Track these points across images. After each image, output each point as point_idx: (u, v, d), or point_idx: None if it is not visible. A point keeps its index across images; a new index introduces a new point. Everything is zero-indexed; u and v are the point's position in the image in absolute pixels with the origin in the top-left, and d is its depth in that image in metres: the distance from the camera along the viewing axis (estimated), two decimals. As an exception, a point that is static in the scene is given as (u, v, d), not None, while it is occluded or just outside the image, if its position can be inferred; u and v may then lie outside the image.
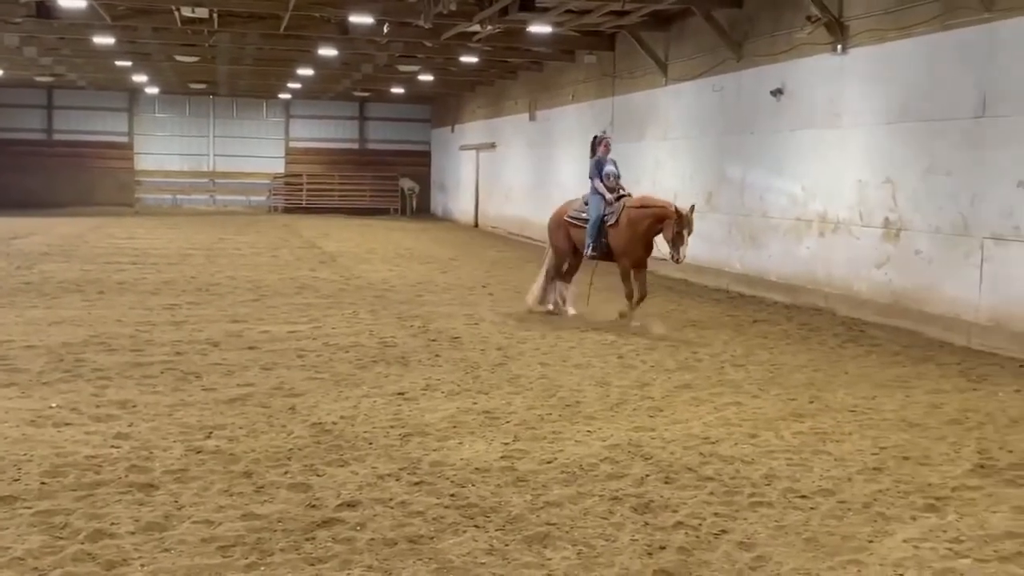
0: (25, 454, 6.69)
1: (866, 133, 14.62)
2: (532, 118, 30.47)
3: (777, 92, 16.74)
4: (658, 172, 21.57)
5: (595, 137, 14.08)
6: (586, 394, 9.03)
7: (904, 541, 5.46)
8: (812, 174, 15.95)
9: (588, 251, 13.46)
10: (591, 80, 25.37)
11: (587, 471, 6.65)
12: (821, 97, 15.67)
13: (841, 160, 15.15)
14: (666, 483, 6.42)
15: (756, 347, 11.89)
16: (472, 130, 38.21)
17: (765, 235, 17.34)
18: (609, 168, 13.49)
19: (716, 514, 5.84)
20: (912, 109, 13.58)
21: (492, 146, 35.13)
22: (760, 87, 17.27)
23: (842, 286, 15.04)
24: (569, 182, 27.12)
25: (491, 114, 35.42)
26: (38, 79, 37.54)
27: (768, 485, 6.42)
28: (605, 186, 13.40)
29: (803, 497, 6.19)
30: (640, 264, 13.31)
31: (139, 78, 36.30)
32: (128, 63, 31.46)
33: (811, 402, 8.86)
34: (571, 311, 13.88)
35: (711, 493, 6.23)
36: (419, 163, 45.64)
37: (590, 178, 13.65)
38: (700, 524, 5.66)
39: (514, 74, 31.31)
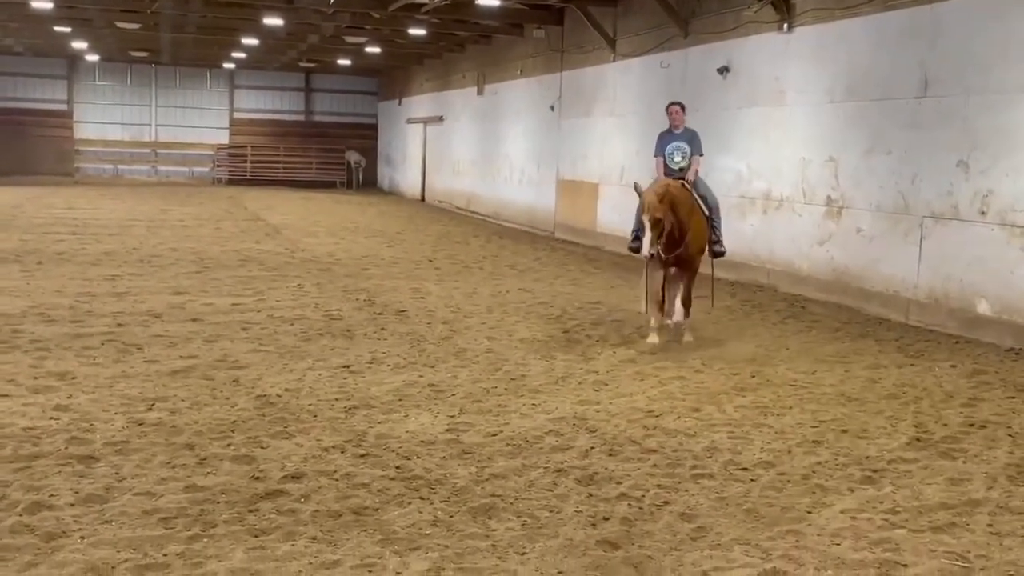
0: (-40, 426, 6.56)
1: (810, 112, 14.79)
2: (480, 92, 30.34)
3: (723, 70, 16.85)
4: (605, 148, 21.63)
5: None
6: (531, 368, 9.07)
7: (842, 512, 5.58)
8: (757, 152, 16.10)
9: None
10: (540, 55, 25.31)
11: (532, 444, 6.69)
12: (766, 75, 15.80)
13: (785, 138, 15.32)
14: (610, 455, 6.48)
15: (699, 323, 12.00)
16: (419, 103, 37.95)
17: (710, 212, 17.47)
18: (675, 144, 10.80)
19: (659, 486, 5.91)
20: (856, 88, 13.76)
21: (440, 120, 34.93)
22: (707, 64, 17.36)
23: (785, 263, 15.24)
24: (517, 157, 27.12)
25: (439, 88, 35.20)
26: (-28, 43, 36.47)
27: (710, 458, 6.51)
28: (666, 168, 10.74)
29: (744, 469, 6.30)
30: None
31: (79, 45, 35.44)
32: (67, 29, 30.67)
33: (753, 376, 9.00)
34: (675, 322, 10.94)
35: (654, 465, 6.31)
36: (366, 136, 45.25)
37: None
38: (643, 496, 5.73)
39: (462, 48, 31.12)
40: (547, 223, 24.51)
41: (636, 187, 10.09)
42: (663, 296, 10.47)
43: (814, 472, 6.29)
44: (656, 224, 9.63)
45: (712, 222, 10.72)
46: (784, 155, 15.34)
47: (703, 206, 10.53)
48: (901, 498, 5.85)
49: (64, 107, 42.89)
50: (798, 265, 14.91)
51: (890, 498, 5.85)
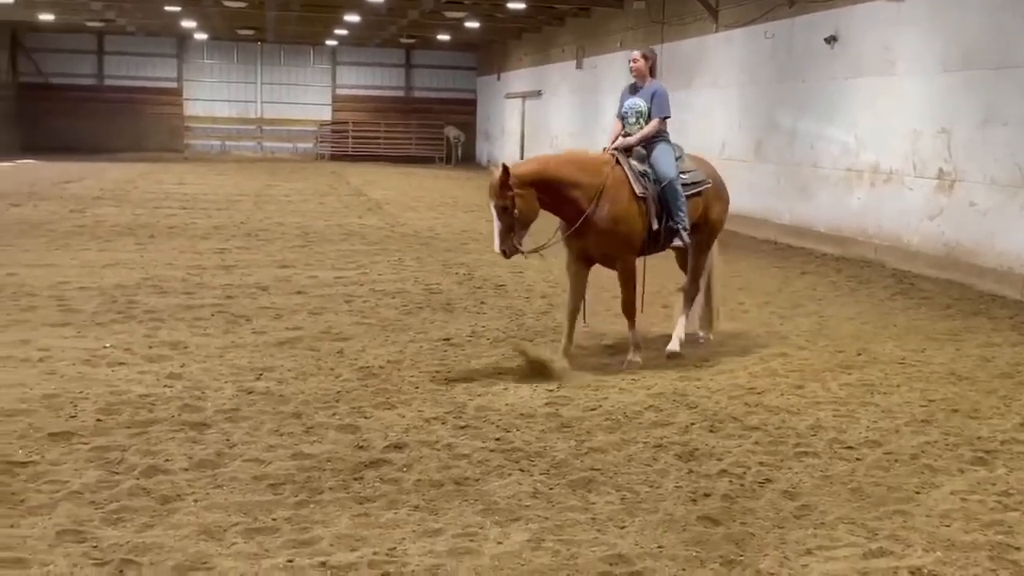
0: (81, 392, 6.86)
1: (922, 81, 14.28)
2: (579, 66, 30.15)
3: (831, 39, 16.38)
4: (706, 121, 21.28)
5: None
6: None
7: (951, 493, 5.43)
8: (865, 123, 15.64)
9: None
10: (639, 27, 25.00)
11: (631, 418, 6.67)
12: (876, 44, 15.31)
13: (895, 109, 14.84)
14: (711, 432, 6.42)
15: (804, 299, 11.78)
16: (518, 78, 37.91)
17: (815, 185, 17.09)
18: (631, 103, 8.61)
19: (761, 463, 5.83)
20: (971, 57, 13.23)
21: (538, 94, 34.85)
22: (813, 34, 16.91)
23: (893, 238, 14.81)
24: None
25: (537, 62, 35.09)
26: (89, 24, 37.81)
27: (814, 435, 6.40)
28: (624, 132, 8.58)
29: (849, 448, 6.17)
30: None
31: (188, 24, 36.42)
32: (177, 8, 31.55)
33: (859, 354, 8.79)
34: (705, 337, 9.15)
35: (756, 442, 6.23)
36: (464, 111, 45.45)
37: None
38: (744, 473, 5.67)
39: (561, 21, 30.94)
40: (646, 197, 24.26)
41: (502, 166, 7.69)
42: (575, 305, 8.18)
43: (923, 452, 6.12)
44: (503, 213, 7.61)
45: (664, 202, 8.19)
46: (893, 126, 14.87)
47: (639, 182, 8.09)
48: (1015, 480, 5.66)
49: (174, 85, 44.21)
50: (907, 240, 14.47)
51: (1003, 480, 5.66)
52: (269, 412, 6.56)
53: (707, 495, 5.30)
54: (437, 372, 7.76)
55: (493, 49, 41.45)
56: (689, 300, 8.93)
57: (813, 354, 8.75)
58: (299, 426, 6.30)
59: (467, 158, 44.55)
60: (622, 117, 8.59)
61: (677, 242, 8.34)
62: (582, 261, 8.23)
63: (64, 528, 4.62)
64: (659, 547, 4.65)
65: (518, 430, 6.35)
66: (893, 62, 14.91)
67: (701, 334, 9.05)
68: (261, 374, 7.57)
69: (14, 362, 7.65)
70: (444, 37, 37.45)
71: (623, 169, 8.14)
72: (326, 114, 45.47)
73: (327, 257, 14.09)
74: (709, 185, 8.72)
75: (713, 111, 20.98)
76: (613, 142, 8.47)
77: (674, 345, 8.51)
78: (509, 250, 7.79)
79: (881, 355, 8.76)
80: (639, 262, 8.46)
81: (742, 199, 19.45)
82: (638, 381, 7.64)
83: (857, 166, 15.84)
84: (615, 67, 27.01)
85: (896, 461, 5.94)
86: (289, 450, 5.83)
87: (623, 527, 4.87)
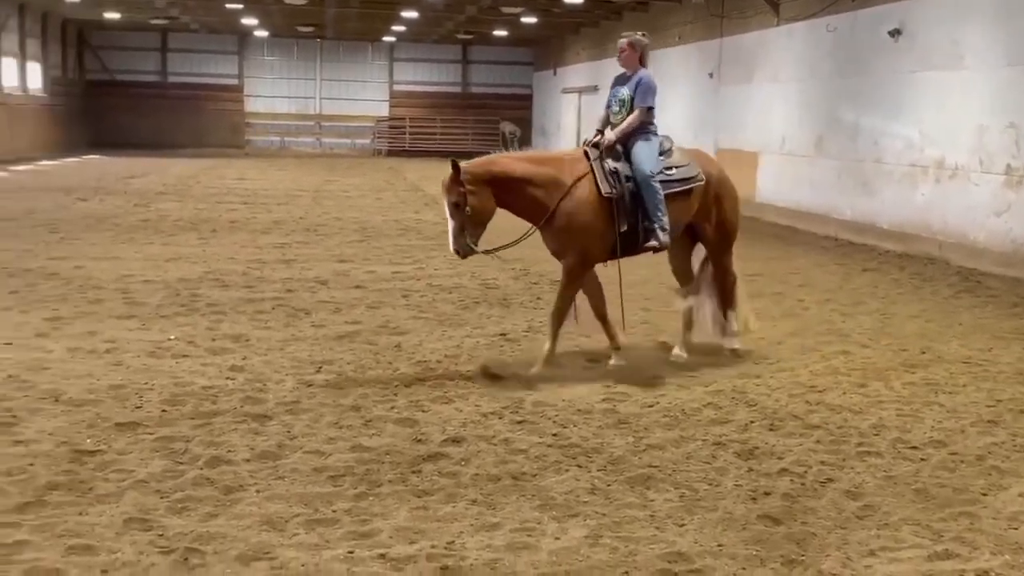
0: (146, 383, 6.99)
1: (990, 75, 13.96)
2: (637, 60, 29.94)
3: (895, 32, 16.10)
4: (766, 116, 21.04)
5: None
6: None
7: (1020, 495, 5.30)
8: (930, 118, 15.34)
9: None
10: (698, 21, 24.79)
11: (690, 416, 6.62)
12: (942, 37, 15.00)
13: (961, 103, 14.53)
14: (771, 430, 6.35)
15: (866, 296, 11.60)
16: (575, 73, 37.81)
17: (877, 181, 16.81)
18: (614, 92, 8.13)
19: (822, 462, 5.76)
20: (1041, 50, 12.91)
21: (595, 89, 34.70)
22: (877, 27, 16.62)
23: (958, 234, 14.51)
24: (673, 125, 26.69)
25: (594, 56, 34.96)
26: (153, 22, 38.49)
27: (877, 435, 6.29)
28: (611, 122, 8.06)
29: (913, 448, 6.06)
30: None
31: (249, 21, 36.91)
32: (239, 5, 31.98)
33: (923, 353, 8.62)
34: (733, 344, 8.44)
35: (817, 441, 6.15)
36: (521, 107, 45.46)
37: None
38: (806, 472, 5.59)
39: (619, 15, 30.79)
40: (704, 193, 24.04)
41: (452, 162, 7.47)
42: (600, 305, 7.93)
43: (989, 453, 5.99)
44: (455, 210, 7.35)
45: (641, 202, 7.64)
46: (960, 121, 14.56)
47: (607, 181, 7.60)
48: (1087, 484, 5.51)
49: (235, 82, 44.86)
50: (973, 237, 14.17)
51: (1074, 484, 5.52)
52: (329, 405, 6.63)
53: (767, 494, 5.25)
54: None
55: (550, 44, 41.38)
56: (731, 298, 8.30)
57: (876, 352, 8.61)
58: (358, 419, 6.35)
59: (523, 153, 44.45)
60: (608, 107, 8.14)
61: (652, 242, 7.67)
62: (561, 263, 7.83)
63: (131, 516, 4.71)
64: (719, 545, 4.61)
65: (575, 426, 6.34)
66: (960, 56, 14.60)
67: (729, 345, 8.32)
68: (321, 367, 7.65)
69: (82, 353, 7.83)
70: (501, 33, 37.48)
71: (591, 167, 7.68)
72: (383, 110, 45.79)
73: (384, 252, 14.19)
74: (702, 182, 8.01)
75: (773, 106, 20.74)
76: (595, 136, 7.97)
77: (734, 343, 8.27)
78: (462, 249, 7.48)
79: (946, 354, 8.59)
80: (609, 265, 7.87)
81: (802, 194, 19.25)
82: (696, 378, 7.58)
83: (922, 161, 15.54)
84: (673, 62, 26.81)
85: (962, 462, 5.82)
86: (348, 442, 5.89)
87: (682, 525, 4.84)
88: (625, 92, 7.95)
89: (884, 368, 8.04)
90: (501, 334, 8.99)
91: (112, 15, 36.23)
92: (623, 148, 7.80)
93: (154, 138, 41.77)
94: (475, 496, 5.12)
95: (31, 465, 5.34)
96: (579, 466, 5.61)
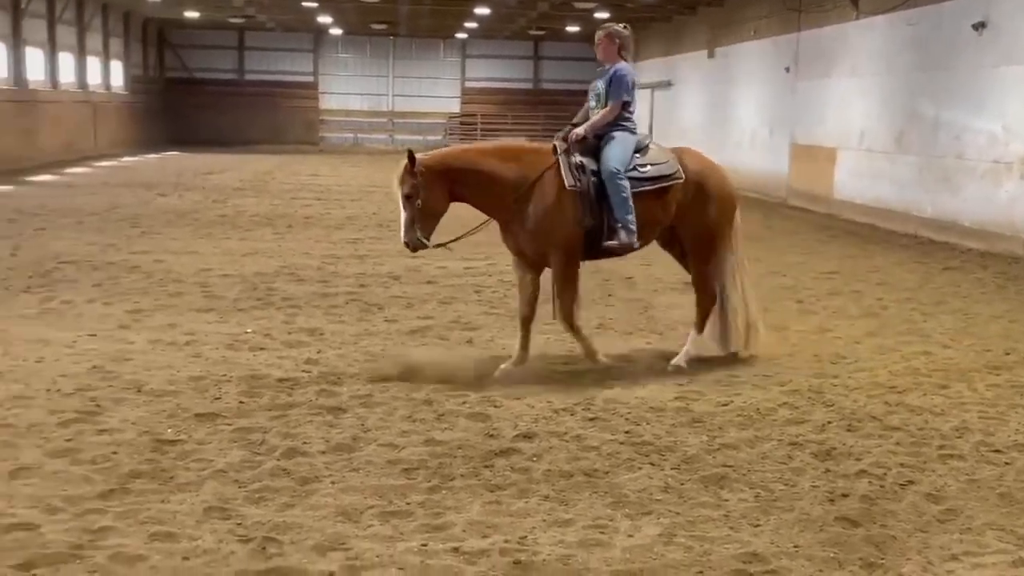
0: (224, 375, 7.13)
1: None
2: (711, 55, 29.66)
3: (979, 26, 15.66)
4: (844, 111, 20.65)
5: None
6: (763, 338, 8.80)
7: (1111, 503, 5.13)
8: (1014, 113, 14.90)
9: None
10: (775, 15, 24.42)
11: (765, 415, 6.53)
12: (1030, 30, 14.56)
13: (1049, 98, 14.08)
14: (849, 431, 6.23)
15: (947, 295, 11.32)
16: (647, 68, 37.51)
17: (959, 178, 16.38)
18: (593, 85, 7.95)
19: (902, 464, 5.63)
20: None
21: (668, 84, 34.45)
22: (960, 20, 16.19)
23: (1044, 233, 14.07)
24: (748, 121, 26.34)
25: (667, 51, 34.69)
26: (231, 21, 39.24)
27: (959, 438, 6.14)
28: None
29: (997, 451, 5.89)
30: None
31: (324, 19, 37.38)
32: (314, 4, 32.40)
33: (1007, 354, 8.38)
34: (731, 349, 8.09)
35: (897, 443, 6.01)
36: (593, 102, 45.22)
37: None
38: (885, 474, 5.48)
39: (693, 10, 30.49)
40: (779, 190, 23.72)
41: (407, 152, 7.20)
42: (525, 311, 7.64)
43: (1079, 459, 5.80)
44: (407, 202, 7.16)
45: (608, 199, 7.34)
46: (1047, 116, 14.11)
47: (571, 174, 7.35)
48: None
49: (310, 79, 45.49)
50: (1060, 236, 13.72)
51: None
52: (402, 398, 6.68)
53: (845, 495, 5.15)
54: (565, 363, 7.76)
55: (622, 40, 41.09)
56: (702, 314, 7.84)
57: (958, 353, 8.40)
58: (431, 413, 6.39)
59: (595, 150, 44.30)
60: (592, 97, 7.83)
61: (613, 241, 7.35)
62: (524, 262, 7.63)
63: (210, 505, 4.81)
64: (795, 547, 4.54)
65: (648, 423, 6.30)
66: (1048, 48, 14.15)
67: (675, 360, 7.70)
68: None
69: (163, 345, 8.01)
70: (574, 28, 37.37)
71: (557, 160, 7.42)
72: (455, 107, 46.02)
73: (456, 247, 14.20)
74: (679, 181, 7.56)
75: (851, 101, 20.35)
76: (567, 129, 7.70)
77: (679, 359, 7.65)
78: (412, 242, 7.25)
79: (1032, 356, 8.34)
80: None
81: (881, 191, 18.86)
82: (771, 378, 7.47)
83: (1006, 157, 15.10)
84: (749, 57, 26.48)
85: (1049, 467, 5.65)
86: (421, 436, 5.93)
87: (757, 525, 4.78)
88: (600, 86, 7.70)
89: (967, 369, 7.83)
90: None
91: (192, 14, 37.01)
92: (597, 143, 7.52)
93: (231, 135, 42.55)
94: (547, 492, 5.12)
95: (115, 453, 5.48)
96: (652, 464, 5.57)
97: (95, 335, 8.25)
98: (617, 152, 7.45)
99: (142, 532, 4.50)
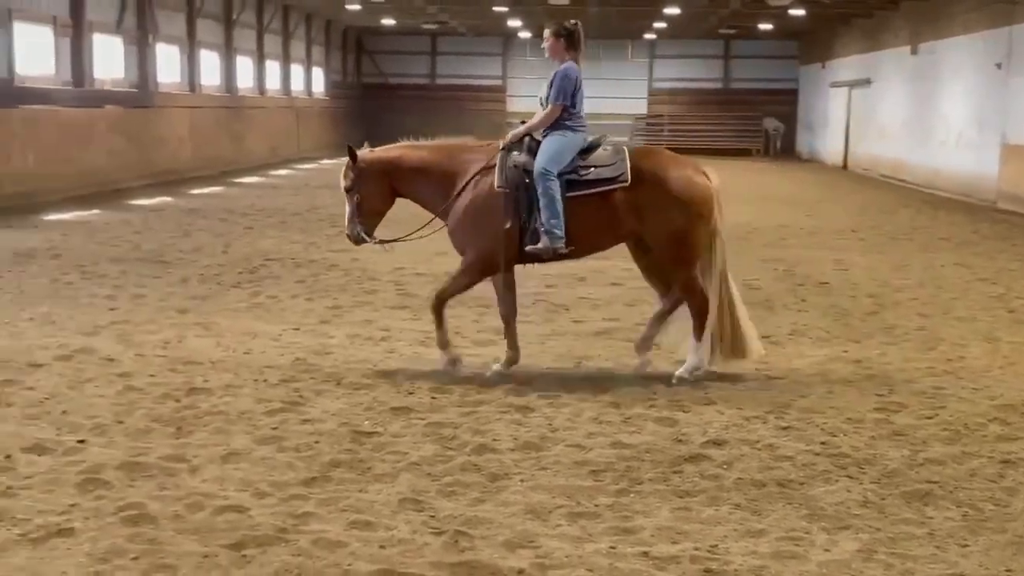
0: (418, 370, 7.33)
1: None
2: (914, 52, 28.27)
3: None
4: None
5: None
6: (971, 349, 8.35)
7: None
8: None
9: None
10: (984, 8, 23.04)
11: (973, 431, 6.17)
12: None
13: None
14: (1069, 451, 5.80)
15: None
16: (845, 66, 36.18)
17: None
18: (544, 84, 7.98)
19: None
20: None
21: (867, 82, 33.09)
22: None
23: None
24: (954, 120, 24.95)
25: (867, 48, 33.31)
26: (424, 27, 40.44)
27: None
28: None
29: None
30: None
31: (513, 23, 37.95)
32: (504, 8, 32.94)
33: None
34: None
35: (1125, 467, 5.55)
36: (784, 102, 43.99)
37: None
38: (1111, 499, 5.07)
39: (895, 4, 29.14)
40: (988, 192, 22.35)
41: (348, 148, 7.43)
42: (505, 308, 7.46)
43: None
44: (348, 196, 7.36)
45: (536, 201, 7.06)
46: None
47: (501, 174, 7.19)
48: None
49: (499, 82, 46.28)
50: None
51: None
52: (589, 400, 6.69)
53: (1065, 520, 4.80)
54: (757, 370, 7.57)
55: (817, 36, 39.80)
56: (698, 323, 7.28)
57: None
58: (617, 415, 6.37)
59: (786, 150, 43.11)
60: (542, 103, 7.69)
61: (536, 245, 7.06)
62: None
63: (405, 496, 4.96)
64: (1007, 570, 4.27)
65: (845, 435, 6.06)
66: None
67: (678, 372, 7.28)
68: (580, 362, 7.74)
69: (360, 340, 8.33)
70: (766, 26, 36.45)
71: (496, 160, 7.24)
72: (641, 108, 45.70)
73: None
74: (623, 184, 7.07)
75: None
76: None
77: (683, 371, 7.22)
78: (353, 235, 7.45)
79: None
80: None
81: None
82: (980, 391, 7.06)
83: None
84: (957, 53, 25.10)
85: None
86: (608, 438, 5.91)
87: (965, 545, 4.52)
88: (544, 86, 7.58)
89: None
90: (764, 336, 8.64)
91: (388, 21, 38.37)
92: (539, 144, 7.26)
93: (419, 136, 43.67)
94: (739, 500, 5.01)
95: (317, 443, 5.74)
96: (850, 477, 5.35)
97: (298, 329, 8.68)
98: (551, 152, 7.20)
99: (342, 519, 4.68)
